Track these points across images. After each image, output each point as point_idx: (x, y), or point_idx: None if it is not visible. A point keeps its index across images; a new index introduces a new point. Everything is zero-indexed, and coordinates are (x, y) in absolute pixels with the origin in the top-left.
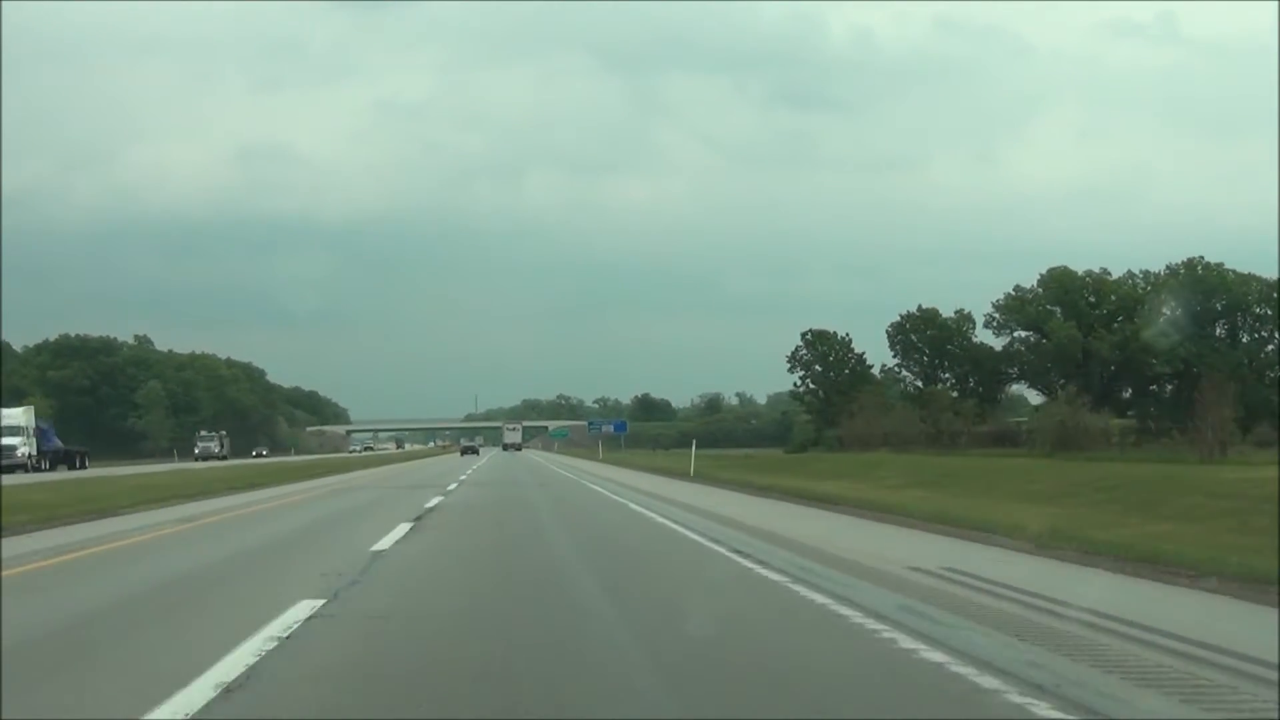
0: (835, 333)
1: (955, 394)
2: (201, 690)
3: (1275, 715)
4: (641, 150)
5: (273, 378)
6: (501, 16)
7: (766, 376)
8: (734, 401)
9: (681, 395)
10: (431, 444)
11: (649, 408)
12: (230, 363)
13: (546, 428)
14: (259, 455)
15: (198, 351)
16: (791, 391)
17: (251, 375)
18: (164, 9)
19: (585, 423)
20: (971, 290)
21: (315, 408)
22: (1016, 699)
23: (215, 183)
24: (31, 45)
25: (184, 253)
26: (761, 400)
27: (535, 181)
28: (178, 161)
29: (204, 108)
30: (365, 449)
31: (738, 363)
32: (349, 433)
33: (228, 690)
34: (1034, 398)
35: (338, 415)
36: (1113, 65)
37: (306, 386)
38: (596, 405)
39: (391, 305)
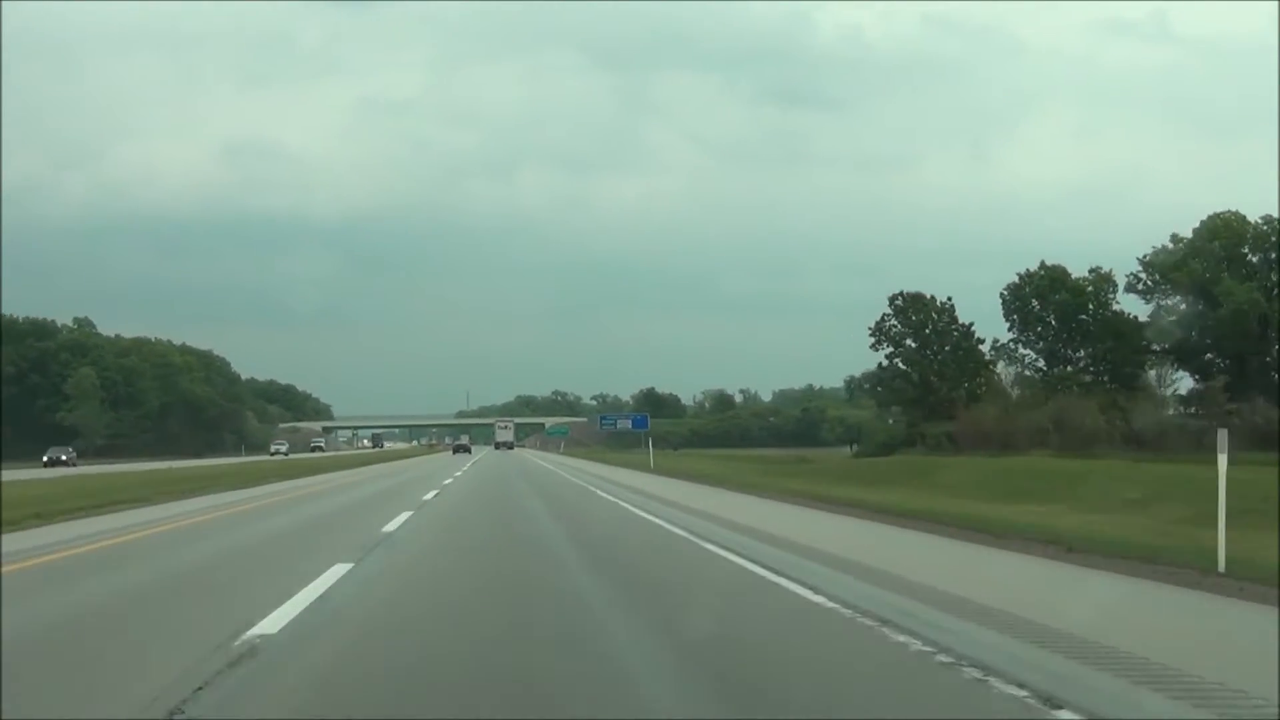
0: (933, 297)
1: (1089, 377)
2: None
3: (1275, 715)
4: (633, 148)
5: (262, 374)
6: (490, 13)
7: (768, 374)
8: (738, 399)
9: (682, 392)
10: (416, 442)
11: (655, 404)
12: (185, 349)
13: (543, 425)
14: (56, 462)
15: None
16: (876, 373)
17: (211, 365)
18: (150, 5)
19: (586, 419)
20: (968, 290)
21: (292, 403)
22: None
23: (205, 180)
24: (20, 43)
25: (175, 250)
26: (766, 397)
27: (528, 179)
28: (167, 158)
29: (192, 105)
30: (314, 448)
31: (737, 361)
32: (326, 429)
33: None
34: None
35: (318, 411)
36: (1106, 64)
37: (299, 385)
38: (595, 402)
39: (383, 302)
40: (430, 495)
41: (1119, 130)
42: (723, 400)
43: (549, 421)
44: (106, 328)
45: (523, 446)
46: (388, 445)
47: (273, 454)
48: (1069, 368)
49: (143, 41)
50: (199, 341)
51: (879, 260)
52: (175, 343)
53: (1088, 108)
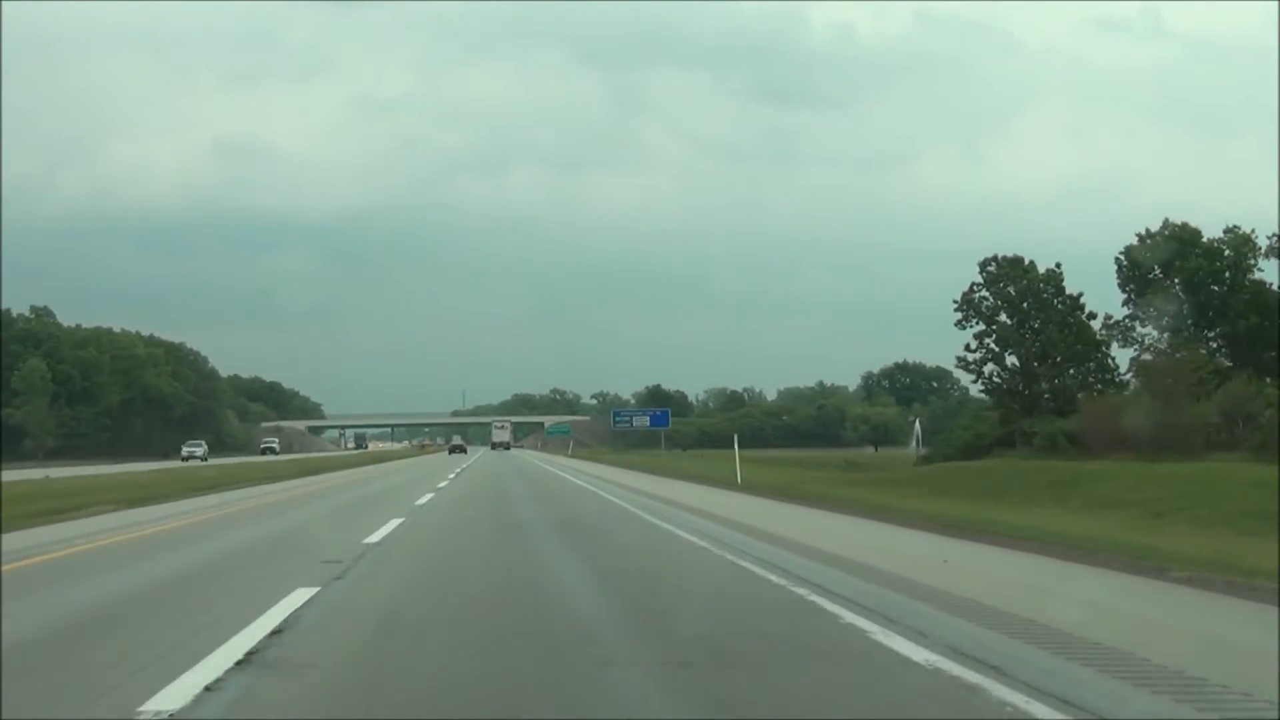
0: (1032, 262)
1: (1230, 363)
2: None
3: (1275, 716)
4: (625, 146)
5: (255, 374)
6: (479, 11)
7: (767, 372)
8: (704, 402)
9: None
10: (407, 443)
11: (661, 401)
12: (153, 341)
13: (543, 424)
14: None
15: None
16: (965, 357)
17: (182, 358)
18: (139, 5)
19: (589, 417)
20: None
21: (278, 401)
22: None
23: (195, 179)
24: (9, 42)
25: (166, 249)
26: (771, 395)
27: (519, 177)
28: (157, 158)
29: (181, 104)
30: (265, 450)
31: (736, 359)
32: (314, 429)
33: None
34: None
35: (305, 410)
36: (1099, 61)
37: (292, 384)
38: (595, 401)
39: (376, 301)
40: (377, 537)
41: (1112, 128)
42: (732, 399)
43: (548, 420)
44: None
45: (520, 447)
46: (377, 446)
47: (262, 452)
48: (1203, 350)
49: (131, 40)
50: (190, 339)
51: (869, 260)
52: (143, 334)
53: (1081, 105)
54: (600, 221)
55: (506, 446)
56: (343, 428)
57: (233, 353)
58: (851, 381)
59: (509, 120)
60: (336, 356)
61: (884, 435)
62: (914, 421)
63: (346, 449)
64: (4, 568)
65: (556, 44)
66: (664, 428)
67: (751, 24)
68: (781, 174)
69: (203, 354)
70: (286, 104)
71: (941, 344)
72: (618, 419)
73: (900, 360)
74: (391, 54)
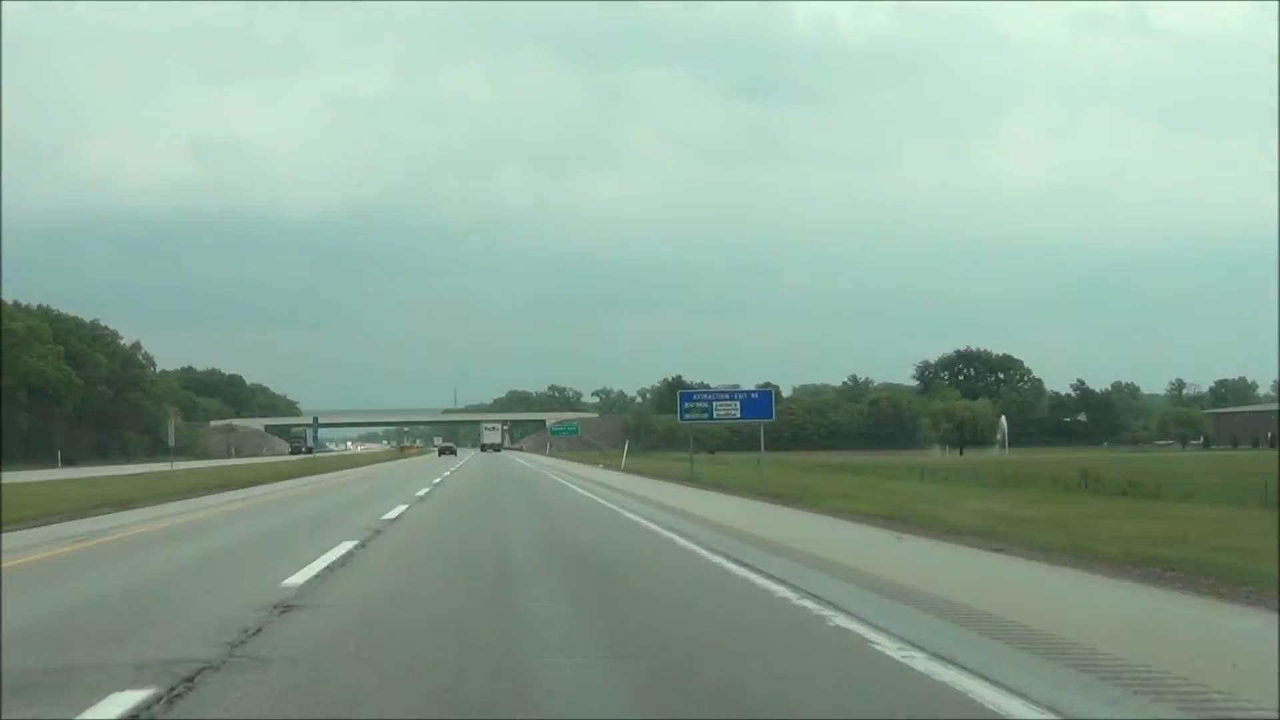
0: None
1: None
2: None
3: (1275, 716)
4: (608, 144)
5: (246, 375)
6: (455, 9)
7: (768, 370)
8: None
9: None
10: (386, 443)
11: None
12: (43, 313)
13: (544, 422)
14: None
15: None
16: None
17: (94, 339)
18: (113, 3)
19: (598, 415)
20: (957, 293)
21: (240, 397)
22: None
23: (175, 179)
24: None
25: (146, 250)
26: (786, 392)
27: (502, 176)
28: (136, 158)
29: (160, 103)
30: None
31: (735, 357)
32: (271, 428)
33: None
34: None
35: (278, 408)
36: (1084, 58)
37: (284, 386)
38: (597, 398)
39: (363, 300)
40: None
41: (1098, 125)
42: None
43: (551, 418)
44: None
45: (518, 448)
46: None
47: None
48: None
49: (105, 39)
50: (175, 344)
51: (858, 260)
52: (30, 306)
53: (1067, 103)
54: (586, 219)
55: (497, 448)
56: (305, 426)
57: (220, 353)
58: (885, 375)
59: (491, 119)
60: (323, 357)
61: (970, 434)
62: (1000, 418)
63: (283, 456)
64: None
65: (535, 42)
66: (766, 419)
67: (732, 19)
68: (769, 173)
69: (117, 331)
70: (265, 102)
71: (942, 341)
72: (687, 406)
73: (962, 348)
74: (371, 52)
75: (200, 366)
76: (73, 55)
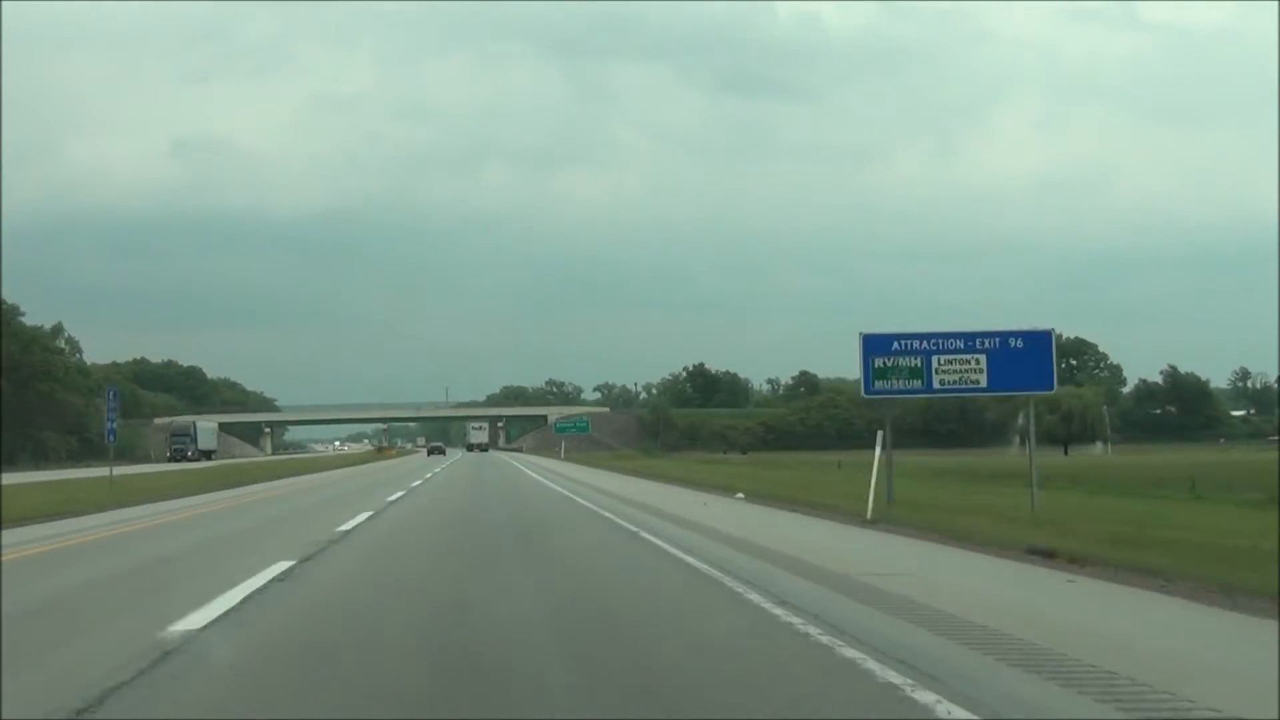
0: None
1: None
2: None
3: (1275, 716)
4: (595, 143)
5: (236, 376)
6: (437, 6)
7: (766, 368)
8: (764, 389)
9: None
10: (364, 442)
11: (708, 388)
12: None
13: (545, 417)
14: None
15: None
16: None
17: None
18: (93, 3)
19: (609, 409)
20: (950, 286)
21: (200, 393)
22: None
23: (157, 179)
24: None
25: (129, 250)
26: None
27: (488, 173)
28: (117, 158)
29: (141, 102)
30: None
31: (735, 355)
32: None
33: None
34: None
35: (246, 403)
36: (1072, 52)
37: (262, 388)
38: (599, 394)
39: (350, 298)
40: None
41: (1087, 120)
42: (802, 385)
43: (553, 413)
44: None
45: (515, 448)
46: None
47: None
48: None
49: (86, 39)
50: (166, 342)
51: (846, 257)
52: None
53: (1055, 98)
54: (574, 216)
55: (485, 448)
56: (272, 423)
57: (212, 355)
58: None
59: (478, 118)
60: (310, 356)
61: (1078, 427)
62: (1104, 410)
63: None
64: None
65: (519, 39)
66: (1040, 390)
67: (715, 14)
68: (755, 169)
69: (23, 316)
70: (247, 101)
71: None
72: (879, 364)
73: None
74: (353, 50)
75: (157, 359)
76: (53, 55)
